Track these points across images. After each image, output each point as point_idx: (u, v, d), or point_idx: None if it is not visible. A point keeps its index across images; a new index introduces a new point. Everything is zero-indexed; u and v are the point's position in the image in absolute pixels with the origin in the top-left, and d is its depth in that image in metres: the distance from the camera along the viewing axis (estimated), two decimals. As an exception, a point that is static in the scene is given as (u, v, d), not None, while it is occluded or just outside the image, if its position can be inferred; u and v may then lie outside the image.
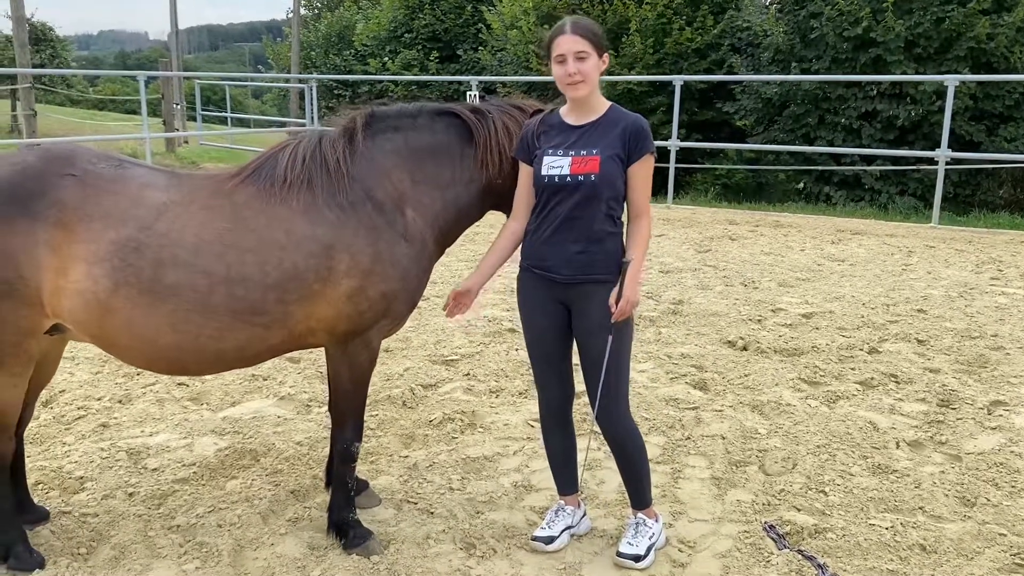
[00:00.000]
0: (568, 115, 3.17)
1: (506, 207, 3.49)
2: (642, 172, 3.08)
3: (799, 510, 3.73)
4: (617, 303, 3.02)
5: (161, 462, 4.17)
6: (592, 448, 4.29)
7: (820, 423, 4.68)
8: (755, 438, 4.50)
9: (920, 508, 3.75)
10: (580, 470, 3.47)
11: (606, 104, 3.15)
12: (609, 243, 3.09)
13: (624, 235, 3.17)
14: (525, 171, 3.23)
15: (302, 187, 3.16)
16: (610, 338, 3.09)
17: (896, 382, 5.35)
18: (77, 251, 2.95)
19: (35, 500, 3.67)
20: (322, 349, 3.38)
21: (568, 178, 3.04)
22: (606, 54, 3.09)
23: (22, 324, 2.97)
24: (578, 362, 3.28)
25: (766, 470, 4.14)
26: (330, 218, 3.14)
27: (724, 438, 4.48)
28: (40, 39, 36.39)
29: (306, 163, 3.21)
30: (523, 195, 3.26)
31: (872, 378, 5.38)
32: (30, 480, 3.86)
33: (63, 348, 3.50)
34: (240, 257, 3.03)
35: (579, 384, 3.37)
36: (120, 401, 4.95)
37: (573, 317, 3.18)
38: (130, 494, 3.85)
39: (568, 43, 3.01)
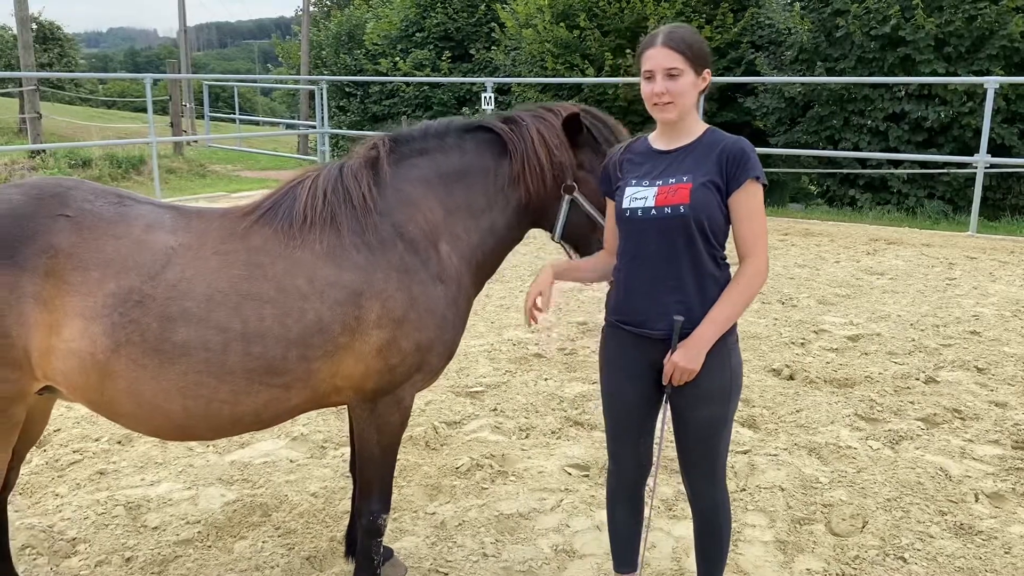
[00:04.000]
0: (657, 140, 2.68)
1: (546, 224, 3.08)
2: (747, 203, 2.52)
3: (879, 583, 3.32)
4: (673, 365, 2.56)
5: (162, 519, 3.77)
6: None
7: (886, 470, 4.25)
8: (816, 488, 4.07)
9: (1016, 581, 3.33)
10: (642, 547, 3.00)
11: (703, 127, 2.64)
12: (713, 289, 2.57)
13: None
14: (611, 207, 2.75)
15: (325, 226, 2.75)
16: (665, 406, 2.68)
17: (961, 419, 4.92)
18: (71, 305, 2.54)
19: (20, 571, 3.27)
20: None
21: (653, 211, 2.54)
22: (707, 71, 2.59)
23: (7, 389, 2.56)
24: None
25: (834, 529, 3.71)
26: (358, 261, 2.73)
27: (783, 489, 4.05)
28: (48, 38, 36.06)
29: (328, 199, 2.79)
30: (611, 235, 2.80)
31: (935, 414, 4.95)
32: (17, 543, 3.49)
33: (53, 404, 3.09)
34: (258, 310, 2.61)
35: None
36: (120, 442, 4.55)
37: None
38: (127, 559, 3.46)
39: (658, 58, 2.52)
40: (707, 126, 2.65)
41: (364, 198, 2.78)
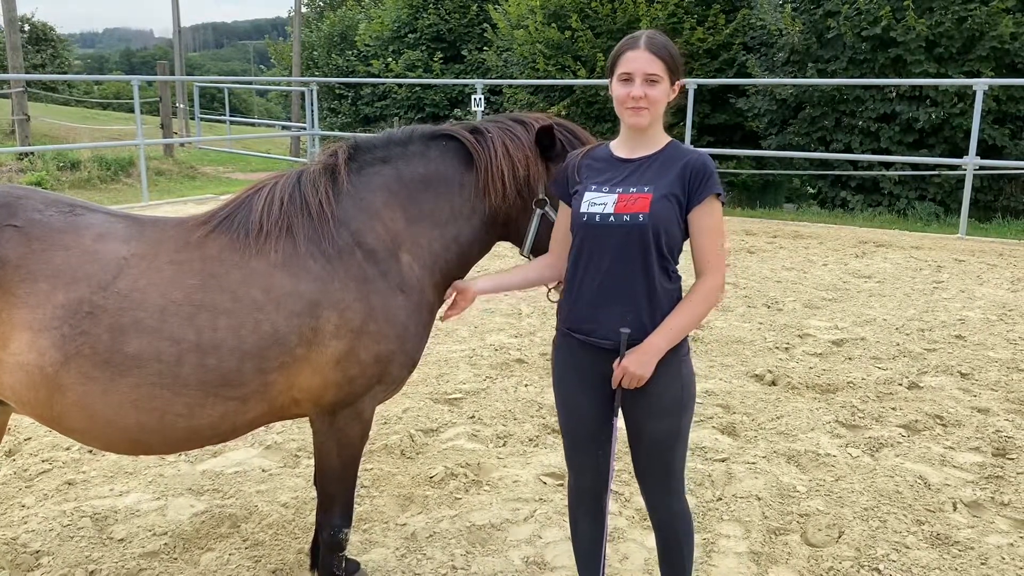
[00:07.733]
0: (619, 148, 2.64)
1: (514, 237, 3.04)
2: (708, 218, 2.50)
3: (852, 595, 3.27)
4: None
5: (129, 530, 3.71)
6: (613, 513, 3.83)
7: (864, 478, 4.21)
8: (794, 497, 4.02)
9: (991, 594, 3.28)
10: (603, 558, 2.96)
11: (666, 139, 2.61)
12: (663, 302, 2.54)
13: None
14: (564, 211, 2.72)
15: (281, 235, 2.70)
16: (615, 419, 2.64)
17: (943, 425, 4.87)
18: (19, 317, 2.49)
19: (-20, 585, 3.23)
20: None
21: (611, 218, 2.50)
22: (680, 81, 2.57)
23: (-50, 403, 2.52)
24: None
25: (809, 540, 3.67)
26: (314, 270, 2.68)
27: (760, 498, 4.00)
28: (40, 39, 35.91)
29: (284, 207, 2.74)
30: (560, 238, 2.76)
31: (916, 420, 4.90)
32: (-22, 557, 3.43)
33: (7, 419, 3.04)
34: (212, 320, 2.57)
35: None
36: (91, 451, 4.49)
37: (625, 393, 2.63)
38: (91, 572, 3.40)
39: (639, 61, 2.48)
40: (669, 139, 2.63)
41: (321, 206, 2.73)
